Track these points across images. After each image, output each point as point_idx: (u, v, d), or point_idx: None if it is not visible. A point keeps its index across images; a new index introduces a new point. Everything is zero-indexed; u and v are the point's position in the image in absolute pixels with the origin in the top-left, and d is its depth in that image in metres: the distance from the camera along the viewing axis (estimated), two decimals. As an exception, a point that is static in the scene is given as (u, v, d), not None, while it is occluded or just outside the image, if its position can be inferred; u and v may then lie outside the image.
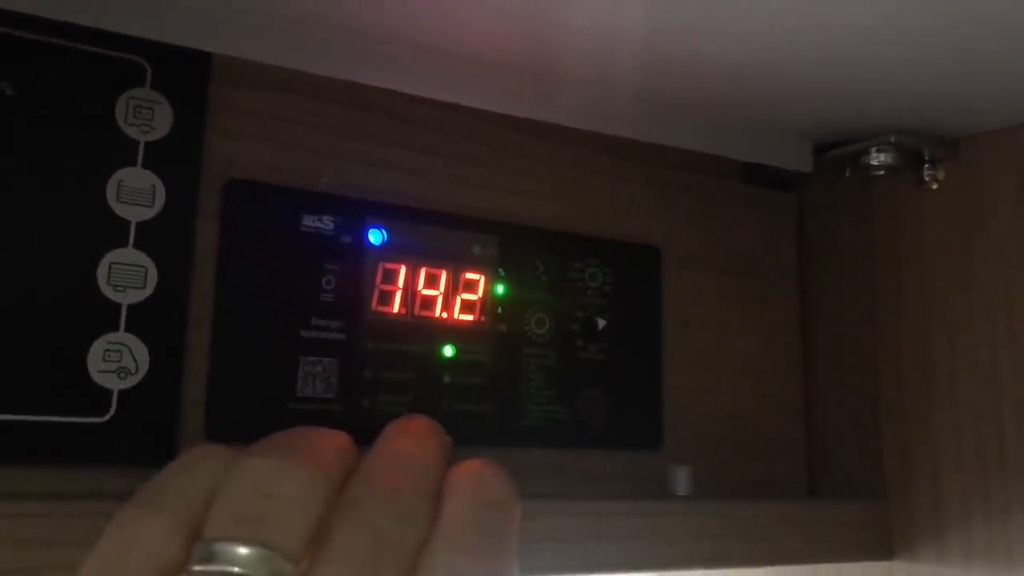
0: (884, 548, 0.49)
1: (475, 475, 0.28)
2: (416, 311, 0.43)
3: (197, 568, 0.24)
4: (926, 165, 0.50)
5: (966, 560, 0.46)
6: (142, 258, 0.37)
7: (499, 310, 0.46)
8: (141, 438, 0.36)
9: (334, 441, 0.28)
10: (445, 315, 0.44)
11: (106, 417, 0.36)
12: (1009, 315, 0.46)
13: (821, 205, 0.56)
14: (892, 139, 0.48)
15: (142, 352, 0.37)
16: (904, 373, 0.50)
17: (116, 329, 0.36)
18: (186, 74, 0.39)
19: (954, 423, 0.48)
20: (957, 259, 0.49)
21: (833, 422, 0.54)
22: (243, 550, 0.23)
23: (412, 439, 0.29)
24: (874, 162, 0.49)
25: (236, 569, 0.23)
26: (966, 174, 0.49)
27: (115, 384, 0.36)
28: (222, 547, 0.24)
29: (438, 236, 0.44)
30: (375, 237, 0.43)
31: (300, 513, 0.24)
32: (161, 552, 0.24)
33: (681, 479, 0.45)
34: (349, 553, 0.24)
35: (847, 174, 0.52)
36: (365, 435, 0.39)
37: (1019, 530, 0.44)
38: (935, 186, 0.50)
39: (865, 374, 0.52)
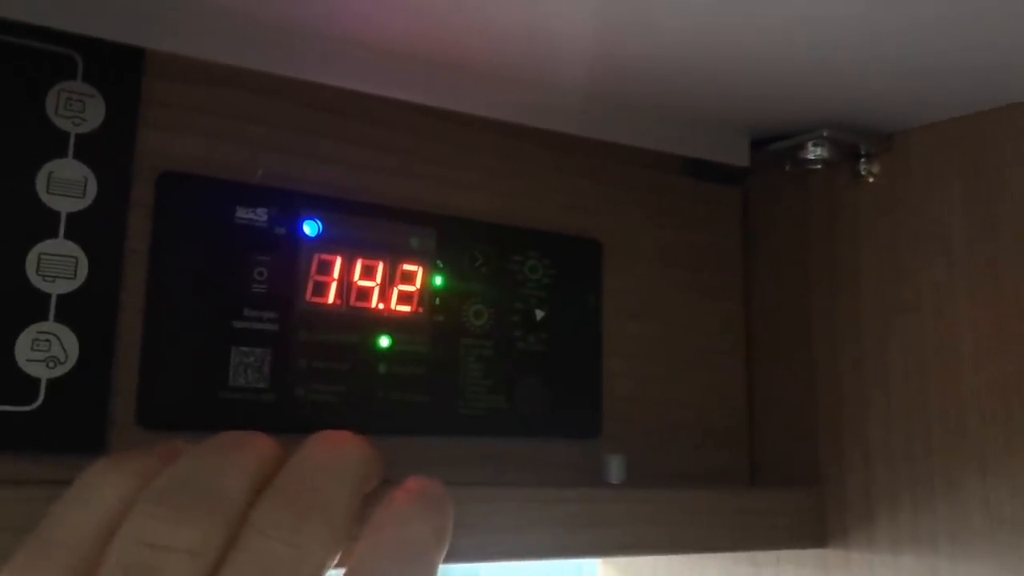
0: (818, 535, 0.50)
1: (398, 514, 0.27)
2: (352, 302, 0.44)
3: None
4: (862, 159, 0.50)
5: (894, 547, 0.47)
6: (73, 248, 0.38)
7: (437, 301, 0.46)
8: (70, 427, 0.37)
9: (246, 464, 0.27)
10: (382, 306, 0.45)
11: (34, 406, 0.36)
12: (937, 310, 0.47)
13: (763, 198, 0.57)
14: (825, 134, 0.48)
15: (72, 341, 0.37)
16: (839, 364, 0.51)
17: (45, 319, 0.37)
18: (118, 67, 0.39)
19: (885, 415, 0.48)
20: (889, 252, 0.49)
21: (773, 412, 0.55)
22: None
23: (331, 451, 0.28)
24: (810, 156, 0.50)
25: None
26: (899, 168, 0.50)
27: (43, 373, 0.36)
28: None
29: (375, 228, 0.45)
30: (310, 228, 0.43)
31: (189, 565, 0.24)
32: None
33: (615, 467, 0.46)
34: None
35: (786, 168, 0.52)
36: (298, 423, 0.40)
37: (943, 518, 0.45)
38: (871, 179, 0.51)
39: (803, 365, 0.53)
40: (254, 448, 0.27)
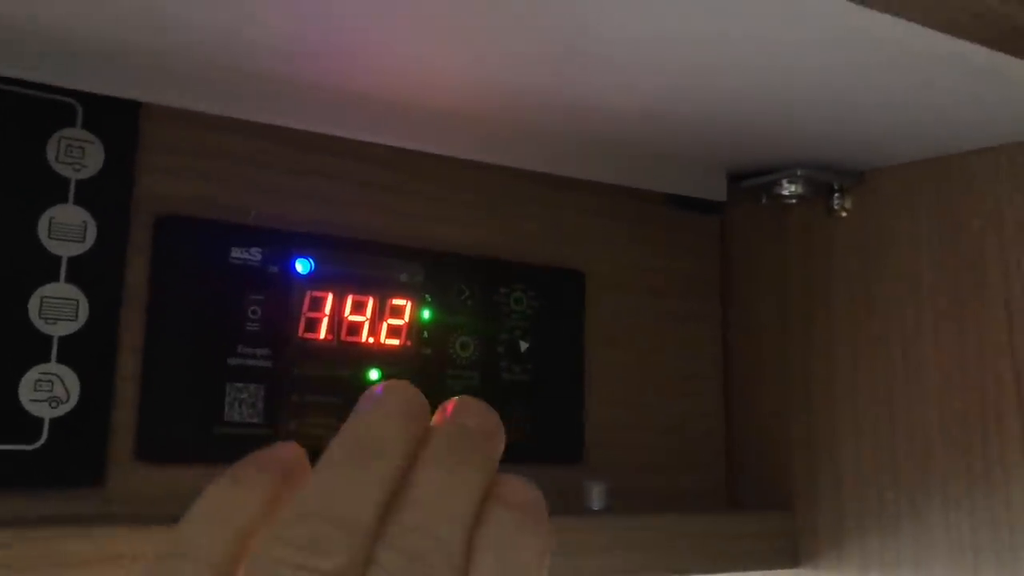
0: (790, 557, 0.52)
1: (504, 537, 0.26)
2: (343, 337, 0.45)
3: None
4: (835, 195, 0.52)
5: (862, 568, 0.49)
6: (73, 292, 0.39)
7: (425, 334, 0.48)
8: (72, 464, 0.38)
9: (374, 482, 0.25)
10: (371, 340, 0.46)
11: (37, 444, 0.38)
12: (903, 339, 0.49)
13: (741, 228, 0.59)
14: (799, 172, 0.50)
15: (73, 382, 0.39)
16: (812, 390, 0.53)
17: (47, 360, 0.38)
18: (117, 114, 0.41)
19: (855, 440, 0.51)
20: (861, 284, 0.51)
21: (749, 438, 0.57)
22: None
23: (452, 472, 0.26)
24: (785, 192, 0.52)
25: None
26: (871, 205, 0.52)
27: (46, 413, 0.38)
28: None
29: (365, 264, 0.47)
30: (303, 267, 0.45)
31: None
32: None
33: (597, 494, 0.48)
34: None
35: (763, 201, 0.54)
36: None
37: (908, 541, 0.47)
38: (843, 214, 0.53)
39: (779, 391, 0.55)
40: (381, 459, 0.26)
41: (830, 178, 0.51)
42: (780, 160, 0.51)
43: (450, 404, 0.28)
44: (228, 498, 0.26)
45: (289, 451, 0.28)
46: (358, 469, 0.25)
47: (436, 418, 0.28)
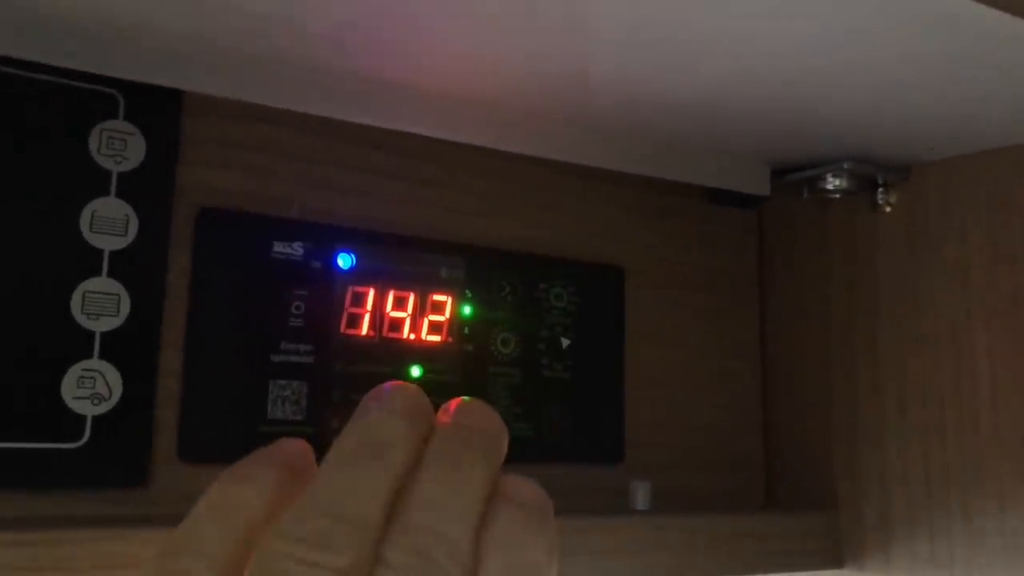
0: (834, 557, 0.51)
1: (512, 536, 0.26)
2: (384, 333, 0.45)
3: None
4: (880, 189, 0.51)
5: (911, 569, 0.48)
6: (115, 286, 0.38)
7: (466, 330, 0.47)
8: (115, 462, 0.37)
9: (381, 480, 0.25)
10: (413, 336, 0.45)
11: (80, 442, 0.37)
12: (954, 337, 0.48)
13: (781, 223, 0.58)
14: (846, 166, 0.49)
15: (115, 378, 0.38)
16: (856, 388, 0.52)
17: (90, 356, 0.37)
18: (159, 106, 0.40)
19: (902, 438, 0.50)
20: (907, 281, 0.50)
21: (790, 436, 0.56)
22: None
23: (456, 469, 0.26)
24: (829, 186, 0.51)
25: None
26: (917, 200, 0.51)
27: (89, 410, 0.37)
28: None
29: (406, 259, 0.46)
30: (344, 262, 0.44)
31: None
32: None
33: (641, 494, 0.47)
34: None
35: (804, 196, 0.53)
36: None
37: (961, 540, 0.46)
38: (888, 209, 0.52)
39: (820, 389, 0.54)
40: (388, 458, 0.26)
41: (876, 172, 0.50)
42: (824, 154, 0.51)
43: (452, 404, 0.28)
44: (233, 495, 0.25)
45: (295, 447, 0.27)
46: (365, 467, 0.25)
47: (439, 418, 0.27)
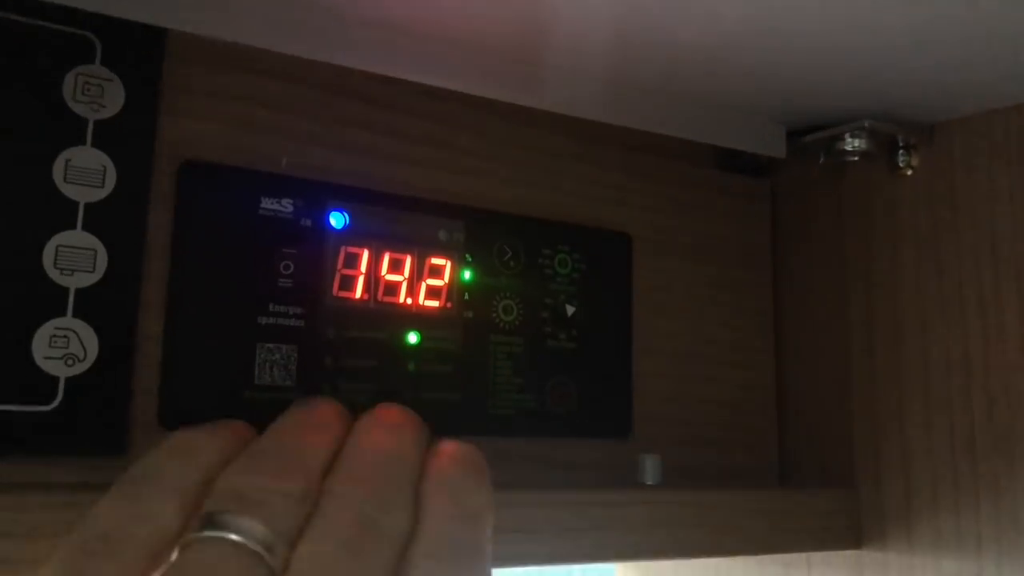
0: (853, 537, 0.49)
1: (453, 483, 0.28)
2: (379, 297, 0.42)
3: (197, 535, 0.24)
4: (900, 151, 0.49)
5: (935, 548, 0.46)
6: (91, 240, 0.36)
7: (466, 296, 0.45)
8: (90, 427, 0.35)
9: (324, 437, 0.28)
10: (410, 301, 0.43)
11: (52, 405, 0.34)
12: (980, 303, 0.45)
13: (794, 192, 0.56)
14: (866, 124, 0.47)
15: (91, 338, 0.35)
16: (876, 361, 0.50)
17: (63, 314, 0.35)
18: (138, 50, 0.38)
19: (925, 412, 0.47)
20: (929, 246, 0.48)
21: (804, 411, 0.53)
22: (243, 519, 0.24)
23: (388, 431, 0.30)
24: (848, 148, 0.48)
25: (235, 537, 0.24)
26: (941, 161, 0.48)
27: (62, 371, 0.35)
28: (223, 516, 0.24)
29: (402, 220, 0.43)
30: (336, 221, 0.41)
31: (293, 505, 0.25)
32: (160, 522, 0.25)
33: (650, 468, 0.44)
34: (334, 531, 0.25)
35: (821, 160, 0.51)
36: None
37: (988, 518, 0.44)
38: (909, 172, 0.49)
39: (837, 362, 0.52)
40: (328, 425, 0.29)
41: (897, 132, 0.48)
42: (842, 113, 0.48)
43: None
44: (194, 440, 0.27)
45: (237, 424, 0.29)
46: (308, 430, 0.28)
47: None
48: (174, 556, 0.24)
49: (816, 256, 0.54)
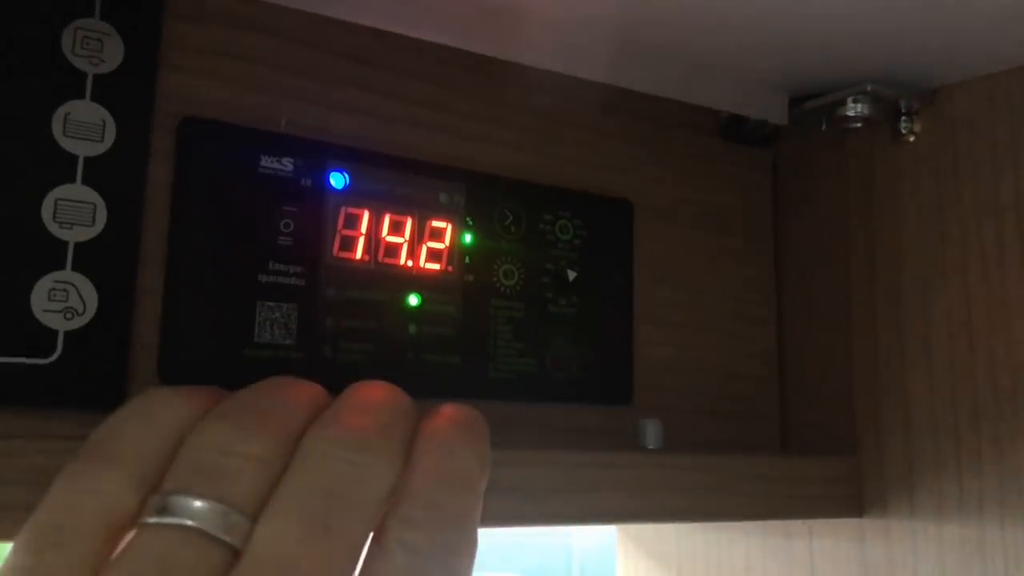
0: (855, 505, 0.49)
1: (447, 441, 0.27)
2: (380, 258, 0.42)
3: (151, 520, 0.23)
4: (903, 117, 0.49)
5: (938, 513, 0.46)
6: (91, 194, 0.36)
7: (467, 260, 0.44)
8: (89, 381, 0.35)
9: (301, 396, 0.27)
10: (410, 263, 0.43)
11: (51, 359, 0.34)
12: (983, 266, 0.45)
13: (796, 161, 0.55)
14: (868, 88, 0.47)
15: (90, 292, 0.35)
16: (878, 329, 0.49)
17: (62, 268, 0.35)
18: (137, 6, 0.37)
19: (928, 379, 0.47)
20: (931, 212, 0.48)
21: (806, 379, 0.53)
22: (198, 503, 0.23)
23: (380, 387, 0.28)
24: (850, 113, 0.48)
25: (189, 522, 0.22)
26: (943, 125, 0.48)
27: (61, 325, 0.34)
28: (177, 500, 0.23)
29: (403, 182, 0.43)
30: (337, 181, 0.41)
31: (257, 471, 0.24)
32: (116, 505, 0.24)
33: (651, 432, 0.44)
34: (298, 504, 0.23)
35: (823, 127, 0.51)
36: (326, 385, 0.38)
37: (991, 484, 0.44)
38: (912, 139, 0.49)
39: (838, 331, 0.51)
40: (308, 387, 0.27)
41: (899, 95, 0.48)
42: (844, 80, 0.48)
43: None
44: (160, 400, 0.26)
45: (214, 388, 0.28)
46: (283, 388, 0.27)
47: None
48: (126, 543, 0.23)
49: (818, 225, 0.53)
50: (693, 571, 0.59)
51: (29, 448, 0.29)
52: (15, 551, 0.23)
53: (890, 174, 0.50)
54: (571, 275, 0.47)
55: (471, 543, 0.25)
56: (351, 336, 0.41)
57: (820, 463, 0.48)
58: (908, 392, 0.48)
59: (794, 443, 0.53)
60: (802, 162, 0.55)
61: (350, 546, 0.23)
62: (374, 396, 0.28)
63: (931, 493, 0.46)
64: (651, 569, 0.62)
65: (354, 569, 0.24)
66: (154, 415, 0.26)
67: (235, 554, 0.22)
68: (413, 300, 0.43)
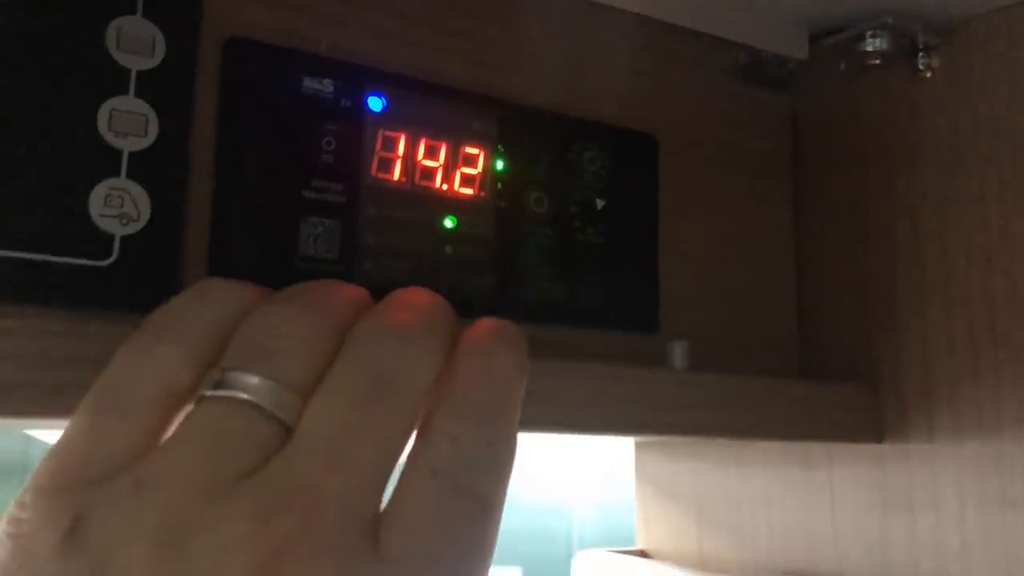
0: (874, 431, 0.50)
1: (486, 347, 0.28)
2: (416, 181, 0.43)
3: (208, 393, 0.24)
4: (920, 53, 0.50)
5: (956, 436, 0.47)
6: (143, 106, 0.37)
7: (499, 186, 0.46)
8: (144, 284, 0.36)
9: (350, 293, 0.28)
10: (445, 187, 0.44)
11: (110, 260, 0.35)
12: (1000, 199, 0.47)
13: (814, 102, 0.57)
14: (888, 20, 0.48)
15: (144, 199, 0.36)
16: (895, 261, 0.51)
17: (118, 175, 0.36)
18: (185, -74, 0.39)
19: (945, 306, 0.48)
20: (950, 145, 0.49)
21: (826, 315, 0.55)
22: (252, 379, 0.24)
23: (425, 292, 0.30)
24: (869, 48, 0.49)
25: (244, 395, 0.24)
26: (962, 59, 0.49)
27: (117, 230, 0.36)
28: (233, 375, 0.24)
29: (438, 108, 0.44)
30: (375, 104, 0.42)
31: (309, 353, 0.25)
32: (174, 378, 0.25)
33: (679, 353, 0.46)
34: (348, 385, 0.24)
35: (841, 67, 0.52)
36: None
37: (1009, 401, 0.45)
38: (929, 75, 0.50)
39: (857, 264, 0.53)
40: (356, 288, 0.29)
41: (917, 31, 0.49)
42: (864, 13, 0.49)
43: None
44: (218, 286, 0.28)
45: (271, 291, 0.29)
46: (336, 285, 0.29)
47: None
48: (184, 414, 0.24)
49: (836, 162, 0.55)
50: (713, 509, 0.60)
51: (89, 334, 0.31)
52: (77, 415, 0.24)
53: (908, 111, 0.51)
54: (599, 204, 0.48)
55: (512, 442, 0.27)
56: (390, 254, 0.42)
57: (841, 390, 0.50)
58: (926, 320, 0.49)
59: (814, 373, 0.54)
60: (820, 102, 0.56)
61: (398, 429, 0.24)
62: (419, 298, 0.29)
63: (949, 416, 0.47)
64: (670, 510, 0.63)
65: (400, 453, 0.25)
66: (211, 299, 0.27)
67: (285, 432, 0.24)
68: (448, 223, 0.44)
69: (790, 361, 0.55)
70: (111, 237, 0.36)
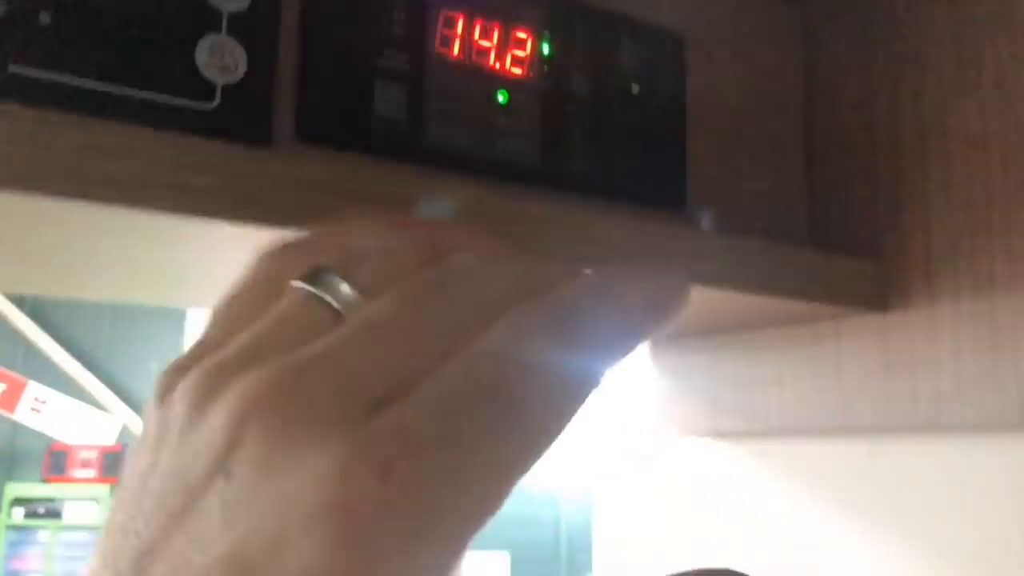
0: (879, 300, 0.55)
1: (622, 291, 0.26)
2: (473, 58, 0.48)
3: (294, 285, 0.26)
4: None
5: (955, 300, 0.52)
6: (240, -27, 0.41)
7: (545, 68, 0.50)
8: (242, 126, 0.41)
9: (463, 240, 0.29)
10: (499, 66, 0.49)
11: (213, 104, 0.40)
12: (998, 80, 0.52)
13: (822, 20, 0.61)
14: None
15: (241, 54, 0.41)
16: (900, 135, 0.56)
17: (219, 31, 0.41)
18: None
19: (945, 181, 0.53)
20: (950, 39, 0.54)
21: (835, 202, 0.60)
22: (333, 278, 0.25)
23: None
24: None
25: (317, 291, 0.25)
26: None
27: (219, 79, 0.40)
28: (318, 273, 0.26)
29: (491, -6, 0.49)
30: (436, -14, 0.47)
31: (389, 265, 0.26)
32: (284, 275, 0.27)
33: (706, 217, 0.51)
34: (407, 291, 0.24)
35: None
36: (431, 160, 0.45)
37: (1002, 267, 0.50)
38: (933, -22, 0.55)
39: (862, 142, 0.58)
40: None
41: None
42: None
43: None
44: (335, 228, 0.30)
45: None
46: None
47: None
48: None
49: (844, 50, 0.60)
50: (725, 389, 0.65)
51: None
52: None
53: (912, 14, 0.56)
54: (635, 89, 0.53)
55: (593, 373, 0.24)
56: (451, 121, 0.47)
57: (848, 259, 0.55)
58: (928, 195, 0.54)
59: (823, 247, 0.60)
60: (828, 19, 0.61)
61: (447, 326, 0.24)
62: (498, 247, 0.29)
63: (949, 283, 0.53)
64: (683, 389, 0.68)
65: (442, 342, 0.23)
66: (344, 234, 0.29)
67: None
68: (500, 98, 0.49)
69: (799, 237, 0.60)
70: (214, 85, 0.40)
